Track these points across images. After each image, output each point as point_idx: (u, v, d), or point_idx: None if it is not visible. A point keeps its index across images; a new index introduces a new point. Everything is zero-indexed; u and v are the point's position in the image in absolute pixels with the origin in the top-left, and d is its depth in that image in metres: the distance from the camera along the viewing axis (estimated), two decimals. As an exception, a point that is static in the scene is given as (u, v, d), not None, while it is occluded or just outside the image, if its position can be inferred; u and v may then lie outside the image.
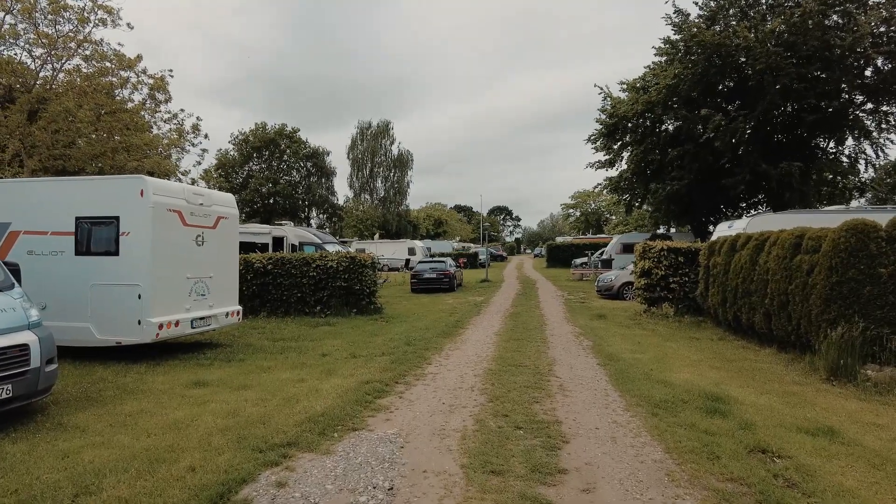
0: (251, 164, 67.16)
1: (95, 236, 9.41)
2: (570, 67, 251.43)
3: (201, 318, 10.30)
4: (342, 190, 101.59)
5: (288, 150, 68.09)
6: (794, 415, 6.07)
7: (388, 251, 45.34)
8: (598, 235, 66.46)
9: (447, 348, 10.44)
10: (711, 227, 36.12)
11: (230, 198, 11.59)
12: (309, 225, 69.85)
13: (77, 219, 9.37)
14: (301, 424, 5.71)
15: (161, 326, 9.18)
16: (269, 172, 66.60)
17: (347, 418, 5.93)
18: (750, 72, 26.12)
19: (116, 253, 9.22)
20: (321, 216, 74.97)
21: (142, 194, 9.17)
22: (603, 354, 9.74)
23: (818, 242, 8.35)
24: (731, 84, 27.33)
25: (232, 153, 66.74)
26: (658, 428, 5.58)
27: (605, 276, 21.52)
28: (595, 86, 32.06)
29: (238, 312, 11.45)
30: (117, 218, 9.23)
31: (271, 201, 66.75)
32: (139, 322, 9.04)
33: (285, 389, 7.31)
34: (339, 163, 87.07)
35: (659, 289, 14.83)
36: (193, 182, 26.70)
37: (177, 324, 9.56)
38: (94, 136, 19.19)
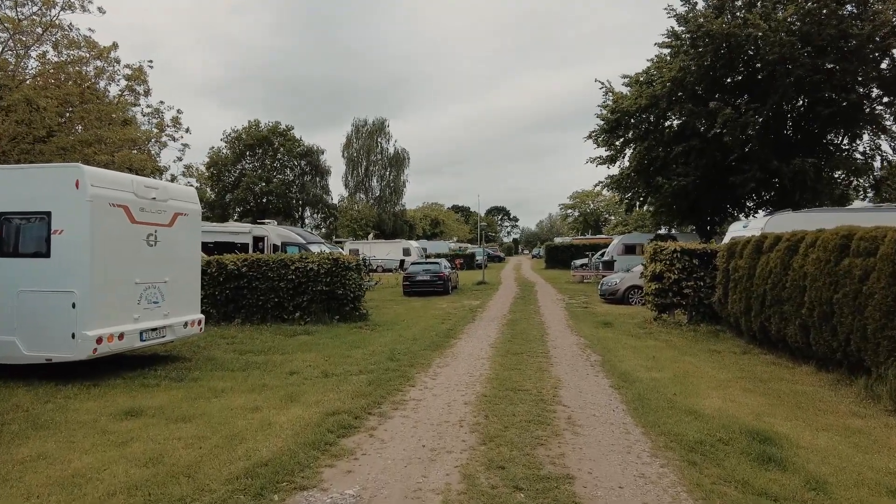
0: (244, 162, 65.72)
1: (23, 235, 8.08)
2: (570, 67, 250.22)
3: (153, 330, 8.95)
4: (337, 189, 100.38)
5: (282, 149, 66.68)
6: (872, 465, 4.76)
7: (382, 252, 43.98)
8: (598, 236, 65.19)
9: (436, 364, 9.11)
10: (717, 228, 35.00)
11: (190, 192, 10.23)
12: (303, 225, 68.46)
13: (1, 214, 8.02)
14: (235, 480, 4.38)
15: (99, 340, 7.83)
16: (263, 171, 65.17)
17: (297, 469, 4.59)
18: (759, 64, 24.86)
19: (47, 254, 7.86)
20: (316, 216, 73.59)
21: (77, 186, 7.82)
22: (615, 373, 8.41)
23: (873, 244, 7.04)
24: (740, 77, 26.05)
25: (224, 151, 65.31)
26: (701, 487, 4.26)
27: (609, 278, 20.20)
28: (596, 80, 30.64)
29: (200, 322, 10.09)
30: (48, 213, 7.87)
31: (264, 200, 65.34)
32: (73, 335, 7.70)
33: (233, 422, 5.97)
34: (334, 162, 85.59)
35: (671, 294, 13.52)
36: (173, 179, 25.32)
37: (121, 336, 8.21)
38: (58, 127, 17.77)
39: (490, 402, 6.62)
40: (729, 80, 26.42)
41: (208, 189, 64.24)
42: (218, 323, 13.83)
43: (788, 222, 14.26)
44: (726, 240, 17.97)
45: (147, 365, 9.09)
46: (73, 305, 7.73)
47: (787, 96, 23.03)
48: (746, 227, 16.46)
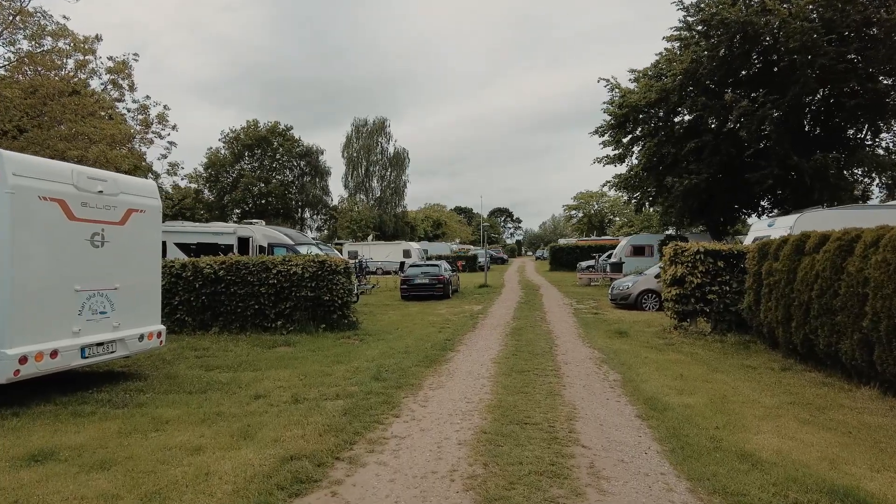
0: (242, 162, 64.48)
1: (-67, 235, 6.81)
2: (571, 66, 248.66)
3: (99, 345, 7.66)
4: (337, 190, 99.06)
5: (281, 149, 65.49)
6: None
7: (381, 253, 42.70)
8: (603, 237, 63.76)
9: (428, 385, 7.78)
10: (729, 228, 33.59)
11: (149, 185, 8.94)
12: (302, 227, 67.24)
13: None
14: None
15: (24, 360, 6.54)
16: (261, 172, 63.96)
17: (220, 558, 3.29)
18: (775, 56, 23.52)
19: (-41, 258, 6.59)
20: (316, 217, 72.33)
21: (-4, 175, 6.55)
22: (640, 397, 7.08)
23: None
24: (756, 69, 24.67)
25: (223, 152, 64.13)
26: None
27: (620, 282, 18.84)
28: (600, 79, 29.30)
29: (159, 334, 8.79)
30: (-38, 209, 6.61)
31: (263, 202, 64.11)
32: (-9, 354, 6.42)
33: (162, 471, 4.68)
34: (334, 163, 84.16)
35: (693, 300, 12.17)
36: (157, 177, 24.08)
37: (53, 354, 6.92)
38: (30, 122, 16.57)
39: (491, 443, 5.28)
40: (744, 73, 25.06)
41: (206, 190, 63.24)
42: (193, 332, 12.57)
43: (820, 220, 12.96)
44: (748, 240, 16.64)
45: (95, 385, 7.82)
46: (-8, 318, 6.46)
47: (807, 88, 21.64)
48: (772, 226, 15.14)
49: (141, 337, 8.39)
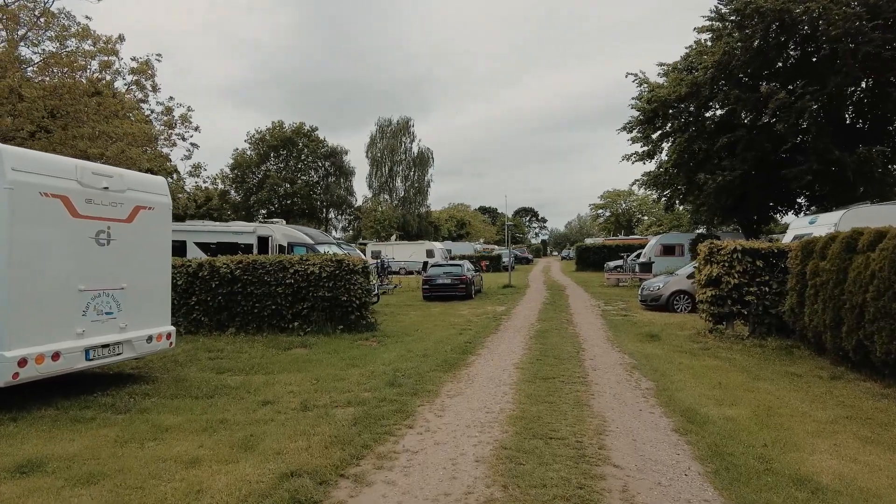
0: (268, 163, 64.91)
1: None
2: (598, 63, 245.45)
3: (105, 346, 7.39)
4: (361, 190, 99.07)
5: (306, 150, 65.79)
6: None
7: (404, 253, 42.38)
8: (631, 236, 62.44)
9: (445, 392, 7.30)
10: (763, 226, 32.33)
11: (158, 181, 8.65)
12: (327, 227, 67.48)
13: None
14: None
15: (23, 362, 6.28)
16: (287, 172, 64.30)
17: None
18: (814, 46, 22.42)
19: (-44, 256, 6.35)
20: (340, 217, 72.53)
21: (-6, 170, 6.29)
22: (676, 409, 6.48)
23: None
24: (794, 59, 23.59)
25: (249, 153, 64.68)
26: None
27: (650, 282, 18.08)
28: (627, 74, 28.46)
29: (168, 335, 8.50)
30: (-44, 205, 6.37)
31: (289, 202, 64.46)
32: (-10, 356, 6.16)
33: (153, 487, 4.30)
34: (358, 163, 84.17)
35: (730, 302, 11.44)
36: (179, 179, 24.09)
37: (55, 356, 6.65)
38: (50, 122, 16.61)
39: (511, 460, 4.77)
40: (780, 64, 23.99)
41: (232, 190, 63.90)
42: (209, 333, 12.33)
43: (868, 217, 12.07)
44: (788, 238, 15.75)
45: (101, 387, 7.55)
46: (-10, 319, 6.20)
47: (849, 78, 20.53)
48: (814, 224, 14.28)
49: (149, 338, 8.10)
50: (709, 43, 25.66)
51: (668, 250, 30.68)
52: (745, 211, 29.52)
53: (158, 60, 22.13)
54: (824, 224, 13.31)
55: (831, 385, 7.71)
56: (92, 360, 7.22)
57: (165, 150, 24.64)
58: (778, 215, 32.12)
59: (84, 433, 5.71)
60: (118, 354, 7.63)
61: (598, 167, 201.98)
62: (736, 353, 10.16)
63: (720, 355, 9.93)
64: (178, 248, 17.16)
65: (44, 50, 17.98)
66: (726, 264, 11.47)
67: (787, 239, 15.21)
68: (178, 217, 31.26)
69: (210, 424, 5.93)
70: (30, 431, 5.74)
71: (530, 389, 7.27)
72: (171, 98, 23.56)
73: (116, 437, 5.53)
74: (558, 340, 11.44)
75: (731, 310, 11.53)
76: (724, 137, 24.31)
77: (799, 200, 28.42)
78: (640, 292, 18.13)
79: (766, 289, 11.25)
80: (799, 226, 15.30)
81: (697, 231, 35.67)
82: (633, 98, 29.13)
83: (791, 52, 23.93)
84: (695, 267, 13.16)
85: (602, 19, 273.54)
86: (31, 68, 18.91)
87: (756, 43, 22.61)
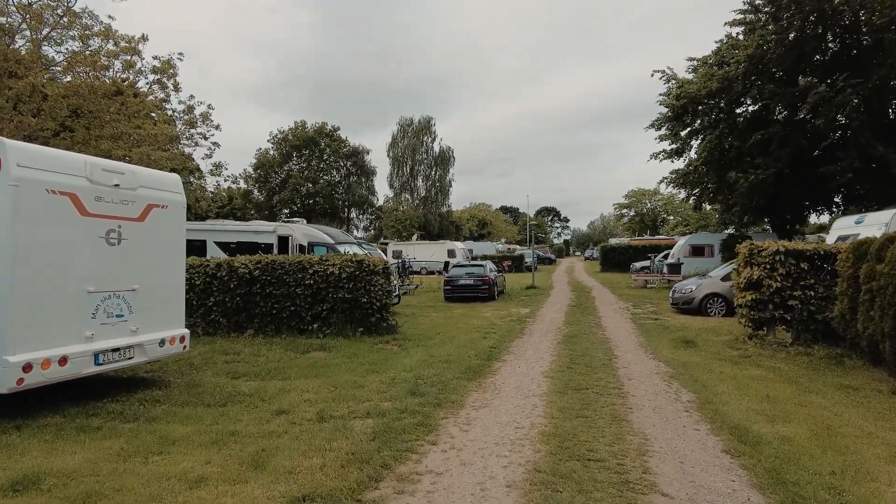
0: (290, 163, 65.20)
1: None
2: (622, 61, 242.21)
3: (115, 350, 7.09)
4: (382, 189, 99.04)
5: (328, 150, 65.96)
6: None
7: (425, 253, 41.99)
8: (657, 237, 61.15)
9: (470, 403, 6.83)
10: (797, 226, 31.17)
11: (171, 178, 8.33)
12: (349, 227, 67.54)
13: None
14: None
15: (28, 367, 5.99)
16: (309, 172, 64.52)
17: None
18: (855, 37, 21.42)
19: (-41, 256, 6.09)
20: (362, 217, 72.56)
21: (-1, 166, 6.01)
22: (724, 425, 5.91)
23: None
24: (833, 51, 22.54)
25: (272, 152, 65.05)
26: None
27: (682, 284, 17.34)
28: (654, 72, 27.67)
29: (182, 338, 8.18)
30: (-42, 203, 6.10)
31: (311, 202, 64.65)
32: (-7, 362, 5.88)
33: (150, 512, 3.92)
34: (379, 163, 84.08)
35: (772, 306, 10.75)
36: (201, 178, 23.99)
37: (62, 361, 6.35)
38: (73, 122, 16.56)
39: (547, 486, 4.28)
40: (818, 57, 22.96)
41: (255, 190, 64.33)
42: (228, 334, 12.06)
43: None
44: (831, 239, 14.94)
45: (112, 393, 7.26)
46: (-6, 322, 5.91)
47: (895, 70, 19.46)
48: (861, 223, 13.47)
49: (162, 342, 7.79)
50: (741, 37, 24.73)
51: (697, 251, 29.76)
52: (779, 211, 28.47)
53: (180, 59, 22.03)
54: (873, 224, 12.52)
55: (894, 401, 7.04)
56: (101, 364, 6.92)
57: (188, 149, 24.61)
58: (814, 215, 30.97)
59: (87, 444, 5.38)
60: (129, 359, 7.33)
61: (621, 166, 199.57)
62: (780, 361, 9.50)
63: (763, 364, 9.28)
64: (199, 248, 17.00)
65: (67, 49, 17.96)
66: (767, 266, 10.78)
67: (830, 240, 14.42)
68: (199, 216, 31.37)
69: (220, 437, 5.55)
70: (32, 442, 5.43)
71: (562, 402, 6.76)
72: (191, 97, 23.50)
73: (120, 451, 5.18)
74: (588, 346, 10.87)
75: (772, 315, 10.84)
76: (756, 134, 23.37)
77: (836, 199, 27.30)
78: (671, 294, 17.42)
79: (812, 293, 10.54)
80: (844, 226, 14.47)
81: (727, 231, 34.59)
82: (660, 94, 28.36)
83: (830, 45, 22.91)
84: (733, 268, 12.45)
85: (628, 15, 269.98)
86: (56, 68, 18.97)
87: (792, 35, 21.67)
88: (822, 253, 10.64)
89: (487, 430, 5.74)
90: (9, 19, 16.20)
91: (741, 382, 7.94)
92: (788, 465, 4.78)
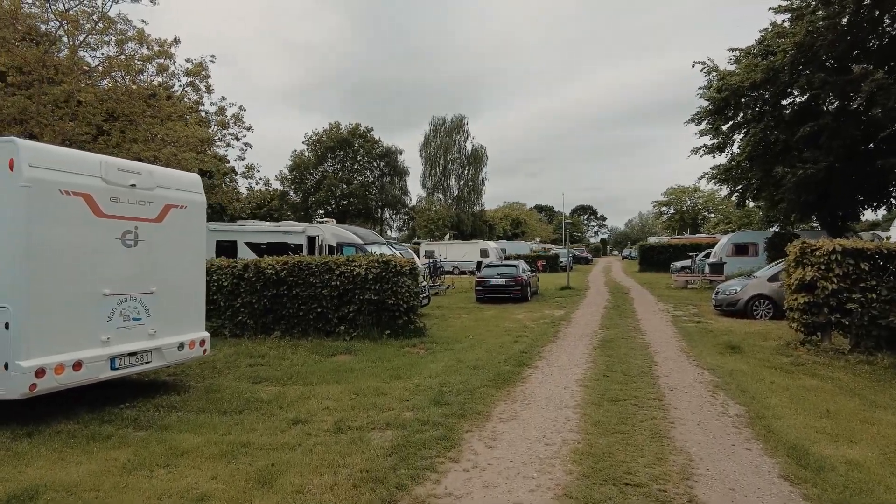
0: (325, 164, 65.77)
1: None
2: (659, 56, 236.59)
3: (132, 354, 6.91)
4: (415, 189, 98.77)
5: (361, 150, 66.26)
6: None
7: (458, 253, 41.58)
8: (697, 235, 59.20)
9: (497, 416, 6.38)
10: (849, 223, 29.49)
11: (191, 178, 8.14)
12: (382, 227, 67.71)
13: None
14: None
15: (41, 372, 5.83)
16: (343, 173, 64.93)
17: None
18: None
19: (-29, 259, 5.97)
20: (395, 217, 72.66)
21: (11, 166, 5.87)
22: (779, 445, 5.30)
23: None
24: (892, 35, 21.10)
25: (307, 154, 65.75)
26: None
27: (726, 285, 16.45)
28: (695, 63, 26.58)
29: (202, 342, 7.99)
30: (-30, 204, 5.98)
31: (345, 202, 65.06)
32: (6, 366, 5.75)
33: (144, 536, 3.62)
34: (412, 163, 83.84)
35: (828, 310, 9.94)
36: (225, 175, 24.11)
37: (77, 366, 6.19)
38: (109, 125, 16.77)
39: (578, 517, 3.82)
40: (874, 42, 21.55)
41: (291, 191, 65.12)
42: (255, 336, 11.91)
43: None
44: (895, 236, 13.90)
45: (130, 397, 7.11)
46: (7, 326, 5.78)
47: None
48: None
49: (181, 346, 7.60)
50: (787, 24, 23.47)
51: (740, 250, 28.47)
52: (829, 207, 26.95)
53: (212, 62, 22.20)
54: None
55: (974, 417, 6.27)
56: (118, 369, 6.75)
57: (221, 151, 24.85)
58: (869, 210, 29.27)
59: (95, 454, 5.16)
60: (146, 363, 7.15)
61: (660, 163, 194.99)
62: (838, 370, 8.72)
63: (819, 373, 8.53)
64: (229, 249, 16.99)
65: (103, 54, 18.23)
66: (822, 267, 9.97)
67: (895, 237, 13.36)
68: (234, 217, 31.74)
69: (231, 448, 5.26)
70: (41, 451, 5.25)
71: (597, 414, 6.24)
72: (223, 98, 23.68)
73: (126, 462, 4.93)
74: (626, 351, 10.26)
75: (828, 319, 10.02)
76: (805, 127, 22.09)
77: (894, 195, 25.67)
78: (714, 296, 16.55)
79: (874, 295, 9.67)
80: (906, 222, 13.38)
81: (773, 229, 33.04)
82: (700, 88, 27.19)
83: (888, 28, 21.48)
84: (783, 268, 11.63)
85: (666, 9, 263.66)
86: (94, 73, 19.31)
87: (845, 20, 20.39)
88: (886, 252, 9.76)
89: (514, 447, 5.28)
90: (49, 26, 16.49)
91: (795, 394, 7.26)
92: (859, 496, 4.19)
